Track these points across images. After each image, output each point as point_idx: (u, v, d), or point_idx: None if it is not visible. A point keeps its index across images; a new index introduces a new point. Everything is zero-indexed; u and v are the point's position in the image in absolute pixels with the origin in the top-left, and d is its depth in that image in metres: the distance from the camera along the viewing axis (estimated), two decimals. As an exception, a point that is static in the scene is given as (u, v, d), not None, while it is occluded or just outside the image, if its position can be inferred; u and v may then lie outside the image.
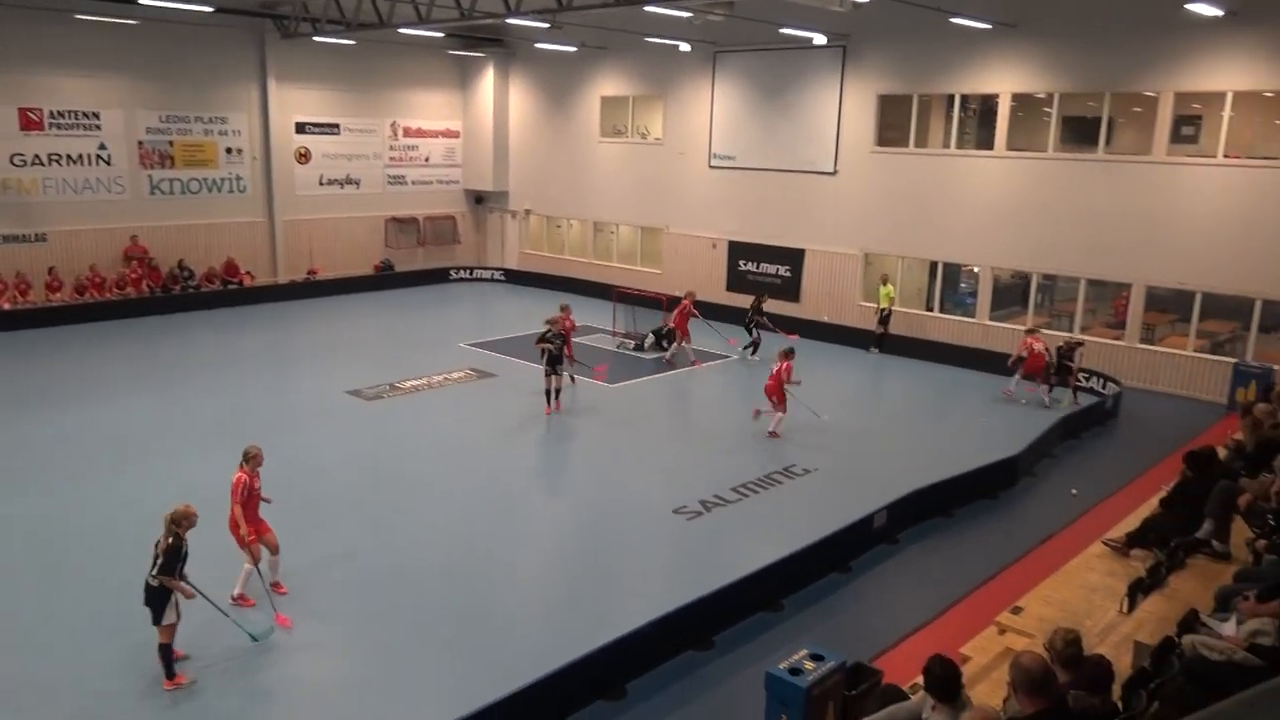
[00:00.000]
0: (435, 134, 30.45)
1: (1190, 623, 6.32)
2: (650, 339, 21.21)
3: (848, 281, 23.29)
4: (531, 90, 29.90)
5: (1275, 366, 16.56)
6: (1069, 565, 8.98)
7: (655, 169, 26.99)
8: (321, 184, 28.02)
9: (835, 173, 23.05)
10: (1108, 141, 19.20)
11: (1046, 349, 17.35)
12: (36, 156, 22.73)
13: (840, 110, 22.75)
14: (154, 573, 7.91)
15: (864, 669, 7.36)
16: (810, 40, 21.63)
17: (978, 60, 20.32)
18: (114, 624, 8.87)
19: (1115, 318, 19.91)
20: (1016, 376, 17.60)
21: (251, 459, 9.43)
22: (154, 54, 24.04)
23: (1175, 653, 5.93)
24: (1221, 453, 10.04)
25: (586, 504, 12.74)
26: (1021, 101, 20.42)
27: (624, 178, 27.87)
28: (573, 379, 17.55)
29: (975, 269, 21.51)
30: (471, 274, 30.55)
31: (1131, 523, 9.62)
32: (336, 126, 28.05)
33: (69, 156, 23.23)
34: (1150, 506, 10.01)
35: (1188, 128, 18.52)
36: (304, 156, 27.49)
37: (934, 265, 22.13)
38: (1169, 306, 19.37)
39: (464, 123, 30.97)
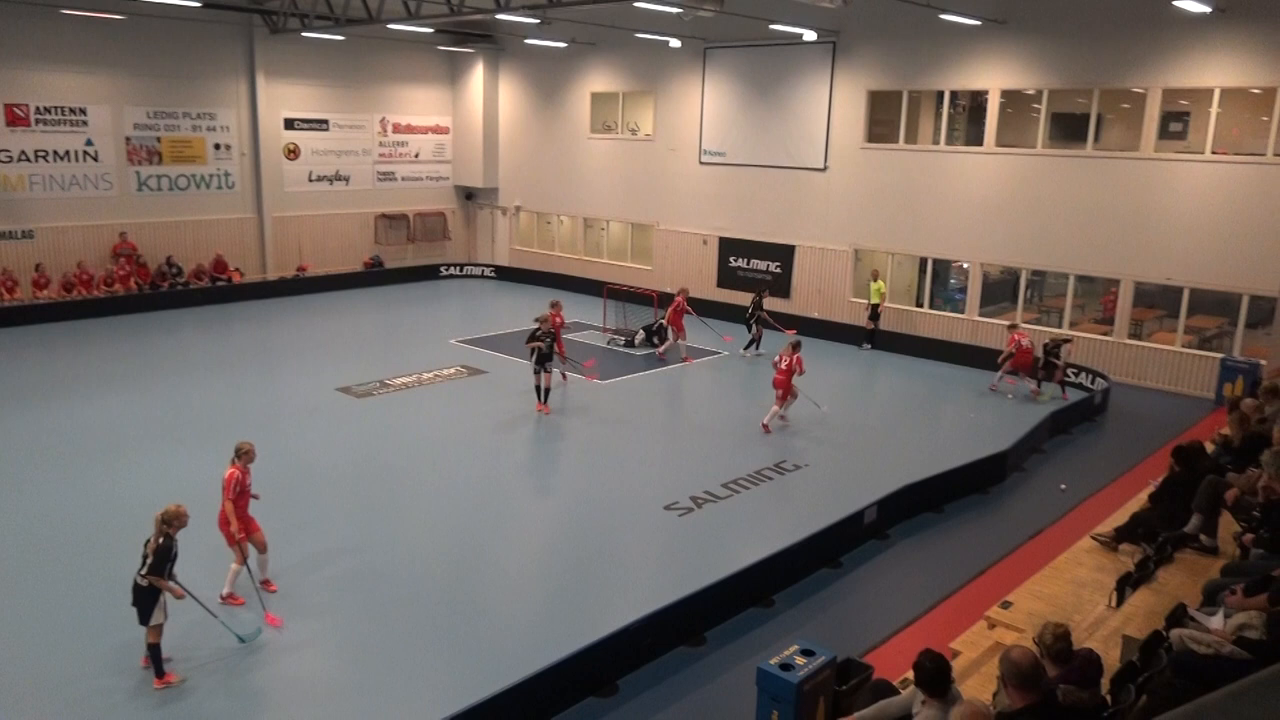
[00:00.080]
0: (425, 130, 30.37)
1: (1178, 617, 6.35)
2: (641, 335, 21.21)
3: (838, 278, 23.33)
4: (521, 86, 29.83)
5: (1262, 362, 16.65)
6: (1058, 560, 9.02)
7: (646, 165, 26.97)
8: (311, 180, 27.91)
9: (825, 169, 23.08)
10: (1096, 138, 19.26)
11: (1032, 344, 17.51)
12: (23, 153, 22.58)
13: (830, 106, 22.77)
14: (143, 572, 7.87)
15: (854, 664, 7.38)
16: (800, 36, 21.64)
17: (967, 57, 20.37)
18: (102, 622, 8.83)
19: (1104, 313, 20.00)
20: (1002, 371, 17.79)
21: (244, 455, 9.39)
22: (141, 50, 23.89)
23: (1163, 647, 5.97)
24: (1209, 447, 10.10)
25: (578, 500, 12.73)
26: (1010, 98, 20.48)
27: (614, 174, 27.84)
28: (564, 376, 17.54)
29: (965, 265, 21.58)
30: (462, 270, 30.48)
31: (1120, 517, 9.67)
32: (326, 122, 27.94)
33: (55, 153, 23.08)
34: (1139, 501, 10.06)
35: (1176, 124, 18.60)
36: (293, 153, 27.37)
37: (924, 261, 22.19)
38: (1157, 302, 19.48)
39: (454, 119, 30.88)
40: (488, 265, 30.71)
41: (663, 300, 22.00)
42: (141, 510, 8.25)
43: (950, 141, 21.54)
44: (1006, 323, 19.16)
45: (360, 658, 8.64)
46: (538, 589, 10.35)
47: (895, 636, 9.08)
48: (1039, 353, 17.57)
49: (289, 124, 27.15)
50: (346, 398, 16.65)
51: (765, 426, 15.30)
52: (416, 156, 30.33)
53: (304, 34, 24.11)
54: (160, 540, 7.91)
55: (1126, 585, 7.83)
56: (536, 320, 16.14)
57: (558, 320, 17.33)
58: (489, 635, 9.12)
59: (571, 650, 7.94)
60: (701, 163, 25.60)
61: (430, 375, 18.18)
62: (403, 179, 30.10)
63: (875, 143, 22.33)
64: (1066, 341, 17.72)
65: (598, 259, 28.76)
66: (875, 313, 21.42)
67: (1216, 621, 6.12)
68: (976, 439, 14.60)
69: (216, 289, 25.29)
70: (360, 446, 14.26)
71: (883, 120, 22.39)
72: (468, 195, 31.74)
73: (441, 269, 30.21)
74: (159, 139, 24.71)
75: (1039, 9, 19.16)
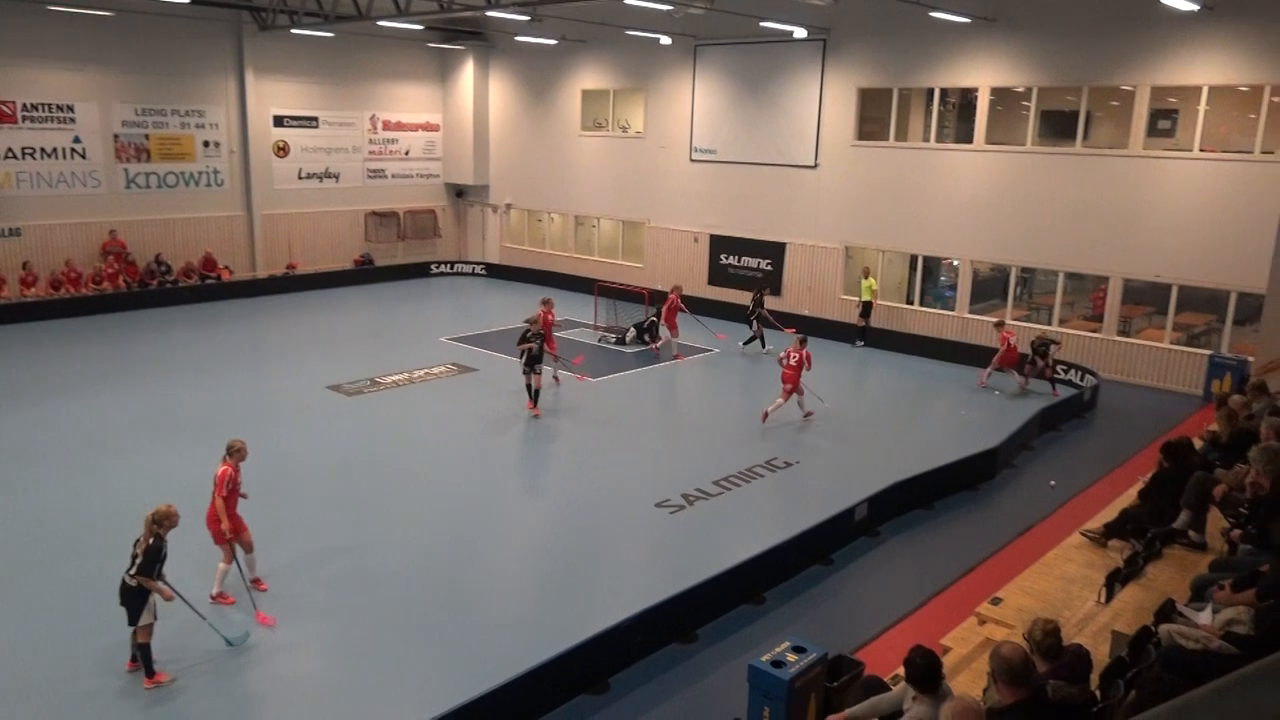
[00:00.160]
0: (415, 127, 30.27)
1: (1167, 612, 6.40)
2: (632, 333, 21.21)
3: (829, 275, 23.37)
4: (512, 83, 29.76)
5: (1250, 358, 16.73)
6: (1048, 556, 9.05)
7: (636, 163, 26.95)
8: (300, 178, 27.80)
9: (816, 166, 23.10)
10: (1085, 135, 19.33)
11: (1018, 343, 17.80)
12: (10, 150, 22.41)
13: (821, 104, 22.79)
14: (132, 572, 7.83)
15: (846, 660, 7.41)
16: (791, 34, 21.66)
17: (957, 54, 20.41)
18: (91, 622, 8.79)
19: (1093, 310, 20.09)
20: (990, 367, 17.95)
21: (235, 452, 9.37)
22: (129, 46, 23.75)
23: (1152, 642, 6.00)
24: (1197, 444, 10.15)
25: (568, 498, 12.72)
26: (1000, 95, 20.54)
27: (605, 171, 27.81)
28: (556, 379, 17.42)
29: (955, 262, 21.64)
30: (452, 268, 30.41)
31: (1109, 513, 9.71)
32: (315, 120, 27.82)
33: (43, 150, 22.92)
34: (1128, 497, 10.12)
35: (1164, 122, 18.68)
36: (282, 150, 27.26)
37: (914, 258, 22.25)
38: (1146, 299, 19.58)
39: (444, 116, 30.80)
40: (478, 263, 30.65)
41: (653, 298, 22.00)
42: (130, 510, 8.21)
43: (940, 139, 21.60)
44: (994, 320, 19.22)
45: (351, 657, 8.62)
46: (529, 587, 10.34)
47: (886, 633, 9.11)
48: (1025, 349, 17.73)
49: (278, 121, 27.03)
50: (337, 396, 16.60)
51: (765, 415, 15.45)
52: (407, 154, 30.24)
53: (293, 31, 24.01)
54: (150, 540, 7.87)
55: (1116, 581, 7.86)
56: (527, 321, 16.04)
57: (550, 319, 17.31)
58: (480, 633, 9.11)
59: (563, 648, 7.94)
60: (692, 160, 25.59)
61: (421, 373, 18.14)
62: (393, 176, 30.01)
63: (866, 140, 22.36)
64: (1055, 343, 17.81)
65: (588, 257, 28.73)
66: (866, 310, 21.46)
67: (1205, 617, 6.15)
68: (967, 436, 14.65)
69: (206, 287, 25.18)
70: (351, 445, 14.22)
71: (873, 118, 22.43)
72: (458, 193, 31.67)
73: (432, 267, 30.14)
74: (147, 136, 24.58)
75: (1028, 7, 19.21)
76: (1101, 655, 6.41)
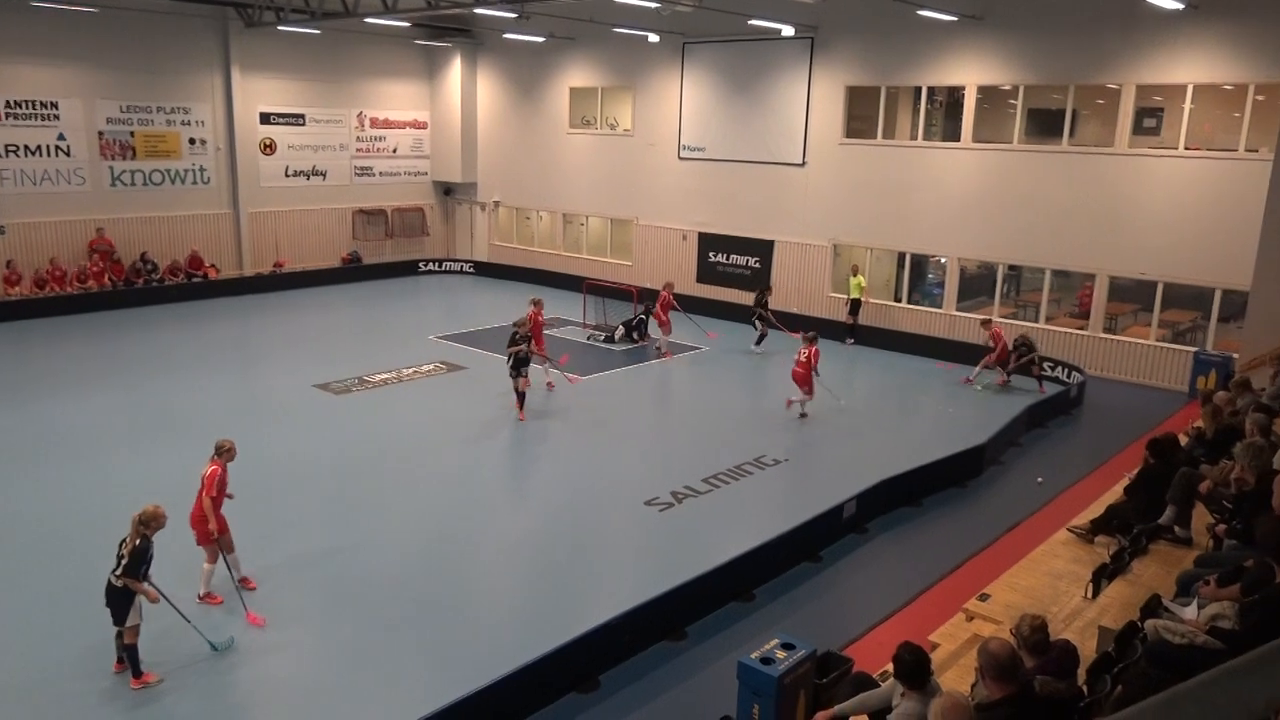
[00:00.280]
0: (403, 125, 30.16)
1: (1153, 607, 6.43)
2: (621, 331, 21.20)
3: (817, 272, 23.41)
4: (500, 81, 29.69)
5: (1234, 355, 16.86)
6: (1035, 552, 9.09)
7: (625, 160, 26.92)
8: (287, 175, 27.66)
9: (804, 164, 23.13)
10: (1071, 133, 19.43)
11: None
12: (-7, 147, 22.27)
13: (809, 102, 22.82)
14: (117, 573, 7.78)
15: (834, 657, 7.42)
16: (779, 32, 21.68)
17: (944, 53, 20.47)
18: (76, 623, 8.72)
19: (1080, 308, 20.20)
20: (979, 366, 18.08)
21: (225, 452, 9.31)
22: (114, 42, 23.56)
23: (1138, 637, 6.03)
24: (1183, 440, 10.22)
25: (557, 496, 12.70)
26: (987, 94, 20.61)
27: (594, 169, 27.78)
28: (549, 384, 17.28)
29: (942, 260, 21.71)
30: (440, 266, 30.33)
31: (1096, 510, 9.77)
32: (302, 117, 27.68)
33: (27, 147, 22.72)
34: (1114, 494, 10.18)
35: (1149, 120, 18.79)
36: (269, 147, 27.11)
37: (902, 256, 22.31)
38: (1131, 297, 19.70)
39: (432, 113, 30.69)
40: (466, 261, 30.57)
41: (642, 296, 21.99)
42: (116, 510, 8.14)
43: (928, 137, 21.65)
44: (982, 318, 19.31)
45: (340, 656, 8.59)
46: (517, 585, 10.33)
47: (875, 629, 9.13)
48: (1010, 346, 17.90)
49: (265, 118, 26.88)
50: (325, 394, 16.53)
51: (789, 402, 15.97)
52: (394, 151, 30.12)
53: (279, 27, 23.88)
54: (137, 541, 7.80)
55: (1102, 577, 7.91)
56: (515, 324, 15.91)
57: (539, 320, 17.24)
58: (470, 632, 9.09)
59: (552, 646, 7.93)
60: (681, 158, 25.59)
61: (409, 372, 18.09)
62: (380, 174, 29.90)
63: (853, 138, 22.41)
64: (1033, 349, 17.89)
65: (577, 254, 28.69)
66: (855, 308, 21.51)
67: (1190, 612, 6.19)
68: (954, 433, 14.70)
69: (192, 285, 25.03)
70: (338, 444, 14.16)
71: (861, 116, 22.47)
72: (446, 190, 31.58)
73: (420, 265, 30.04)
74: (133, 133, 24.40)
75: (1015, 5, 19.28)
76: (1088, 650, 6.44)
